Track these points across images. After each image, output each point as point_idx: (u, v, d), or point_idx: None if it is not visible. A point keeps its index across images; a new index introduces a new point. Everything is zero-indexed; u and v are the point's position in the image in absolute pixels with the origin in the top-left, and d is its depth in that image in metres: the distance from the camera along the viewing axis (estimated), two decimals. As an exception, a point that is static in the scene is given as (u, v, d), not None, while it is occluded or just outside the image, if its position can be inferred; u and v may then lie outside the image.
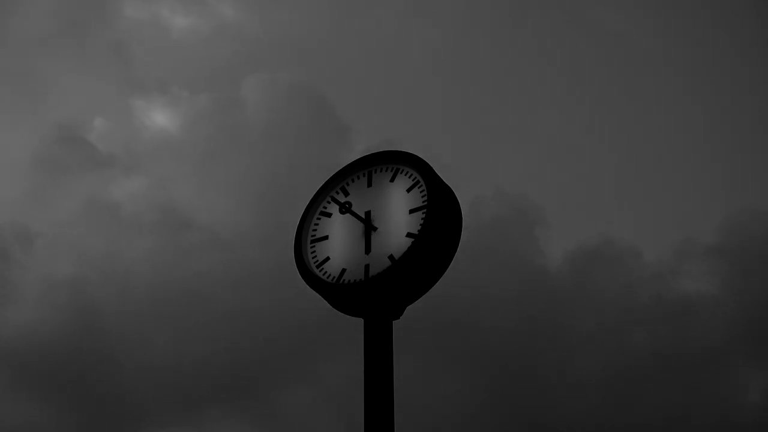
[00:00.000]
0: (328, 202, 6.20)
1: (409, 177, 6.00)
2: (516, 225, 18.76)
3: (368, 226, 5.96)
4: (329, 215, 6.15)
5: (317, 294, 6.04)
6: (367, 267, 5.84)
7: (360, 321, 5.90)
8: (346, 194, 6.18)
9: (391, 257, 5.78)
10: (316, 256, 6.04)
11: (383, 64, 21.52)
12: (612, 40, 20.82)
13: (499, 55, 21.22)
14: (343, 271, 5.90)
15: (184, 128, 21.20)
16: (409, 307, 5.96)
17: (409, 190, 5.96)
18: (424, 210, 5.81)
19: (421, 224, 5.78)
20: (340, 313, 6.02)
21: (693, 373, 17.27)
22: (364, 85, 21.69)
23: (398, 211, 5.92)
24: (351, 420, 16.10)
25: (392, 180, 6.05)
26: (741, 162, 20.22)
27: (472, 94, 21.34)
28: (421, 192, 5.90)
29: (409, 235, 5.80)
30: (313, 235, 6.11)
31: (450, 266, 5.96)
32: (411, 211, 5.87)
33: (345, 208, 6.05)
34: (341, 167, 6.26)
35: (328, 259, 5.99)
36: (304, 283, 6.07)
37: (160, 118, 21.27)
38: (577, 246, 19.38)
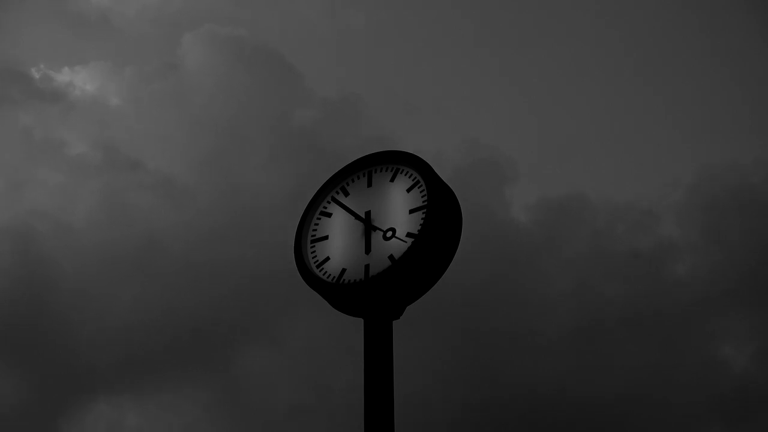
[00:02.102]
0: (329, 202, 6.23)
1: (409, 177, 6.03)
2: (484, 177, 18.62)
3: (368, 226, 5.98)
4: (329, 215, 6.18)
5: (314, 291, 6.05)
6: (367, 267, 5.86)
7: (360, 321, 5.92)
8: (346, 194, 6.21)
9: (391, 257, 5.81)
10: (316, 256, 6.07)
11: (337, 16, 21.15)
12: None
13: (469, 3, 20.92)
14: (343, 271, 5.92)
15: (128, 76, 20.65)
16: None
17: (409, 190, 5.99)
18: (424, 210, 5.84)
19: (421, 224, 5.81)
20: (340, 312, 6.05)
21: (669, 330, 16.88)
22: (317, 36, 21.31)
23: (398, 211, 5.95)
24: (316, 384, 16.05)
25: (392, 180, 6.09)
26: (714, 113, 20.15)
27: (438, 43, 21.09)
28: (421, 192, 5.93)
29: (409, 235, 5.82)
30: (313, 235, 6.14)
31: (450, 266, 6.01)
32: (411, 211, 5.90)
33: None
34: (341, 168, 6.30)
35: (328, 259, 6.02)
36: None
37: (103, 62, 20.79)
38: (547, 198, 18.95)
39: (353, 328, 6.03)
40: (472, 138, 19.54)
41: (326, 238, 6.09)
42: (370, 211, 6.03)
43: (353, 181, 6.22)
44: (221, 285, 17.30)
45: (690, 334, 16.82)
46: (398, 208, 5.97)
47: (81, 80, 20.71)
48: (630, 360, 16.28)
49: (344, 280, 5.89)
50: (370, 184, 6.15)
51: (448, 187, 6.06)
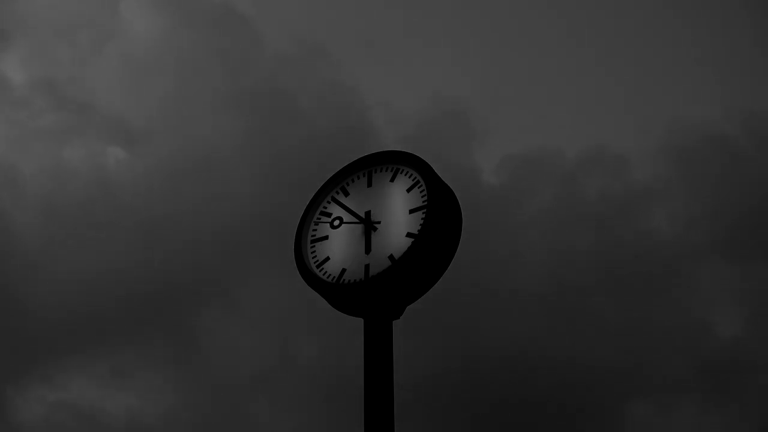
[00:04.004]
0: (329, 202, 6.28)
1: (409, 177, 6.08)
2: (451, 131, 18.38)
3: (368, 226, 6.03)
4: (329, 215, 6.22)
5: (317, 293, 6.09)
6: (367, 267, 5.90)
7: (360, 321, 5.95)
8: (346, 194, 6.26)
9: (391, 257, 5.85)
10: (316, 256, 6.11)
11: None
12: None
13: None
14: (343, 271, 5.96)
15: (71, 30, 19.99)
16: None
17: (409, 190, 6.03)
18: (424, 210, 5.89)
19: (421, 224, 5.86)
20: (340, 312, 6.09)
21: (647, 285, 16.34)
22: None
23: (398, 211, 6.00)
24: (278, 347, 15.93)
25: (392, 180, 6.14)
26: (686, 60, 19.92)
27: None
28: (421, 192, 5.98)
29: (409, 235, 5.87)
30: (313, 235, 6.19)
31: (450, 266, 6.06)
32: (411, 211, 5.95)
33: (339, 221, 6.12)
34: (341, 168, 6.35)
35: (328, 259, 6.07)
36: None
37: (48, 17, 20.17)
38: (516, 150, 18.65)
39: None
40: (438, 90, 19.31)
41: (326, 238, 6.14)
42: (370, 211, 6.07)
43: (353, 181, 6.28)
44: (177, 239, 17.01)
45: (669, 290, 16.46)
46: (398, 208, 6.01)
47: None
48: (606, 319, 16.03)
49: (344, 280, 5.93)
50: (370, 184, 6.20)
51: (448, 187, 6.11)
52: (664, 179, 17.89)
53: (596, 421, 15.20)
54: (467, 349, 14.52)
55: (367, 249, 5.95)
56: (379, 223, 5.99)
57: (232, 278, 16.64)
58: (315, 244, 6.14)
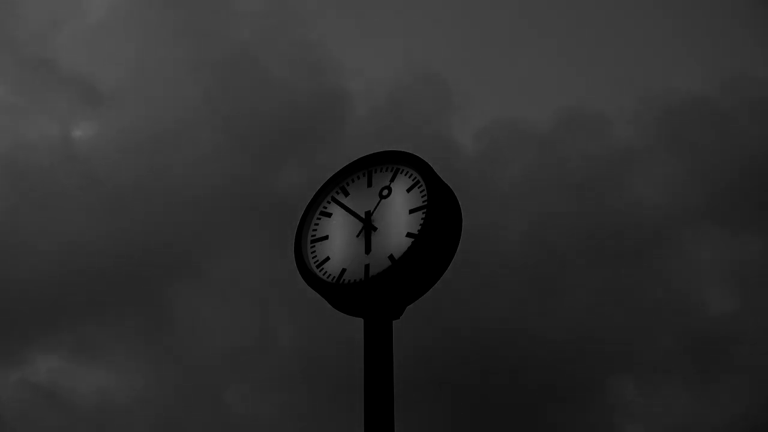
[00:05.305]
0: (329, 202, 6.30)
1: (409, 177, 6.10)
2: (427, 98, 18.21)
3: (368, 226, 6.04)
4: (329, 215, 6.25)
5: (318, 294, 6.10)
6: (367, 267, 5.92)
7: (360, 321, 5.97)
8: (346, 194, 6.28)
9: (391, 257, 5.88)
10: (316, 256, 6.13)
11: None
12: None
13: None
14: (343, 271, 5.98)
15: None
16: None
17: (409, 190, 6.05)
18: (424, 210, 5.91)
19: (421, 224, 5.88)
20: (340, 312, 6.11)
21: (631, 256, 15.97)
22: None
23: (398, 211, 6.01)
24: (249, 319, 15.75)
25: (392, 180, 6.16)
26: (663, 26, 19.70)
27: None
28: (421, 192, 6.00)
29: (409, 235, 5.89)
30: (313, 235, 6.21)
31: (450, 266, 6.08)
32: (411, 211, 5.97)
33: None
34: (341, 168, 6.38)
35: (328, 259, 6.09)
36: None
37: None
38: (492, 120, 18.07)
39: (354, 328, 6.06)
40: (412, 57, 19.11)
41: (326, 238, 6.16)
42: (370, 211, 6.09)
43: (353, 181, 6.30)
44: (146, 210, 16.71)
45: (656, 258, 16.00)
46: (398, 208, 6.03)
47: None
48: (590, 290, 15.62)
49: (344, 280, 5.95)
50: (370, 184, 6.23)
51: (448, 187, 6.14)
52: (647, 143, 17.53)
53: (579, 397, 15.11)
54: (444, 321, 14.47)
55: (367, 249, 5.98)
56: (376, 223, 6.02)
57: (203, 249, 16.48)
58: (315, 244, 6.17)
